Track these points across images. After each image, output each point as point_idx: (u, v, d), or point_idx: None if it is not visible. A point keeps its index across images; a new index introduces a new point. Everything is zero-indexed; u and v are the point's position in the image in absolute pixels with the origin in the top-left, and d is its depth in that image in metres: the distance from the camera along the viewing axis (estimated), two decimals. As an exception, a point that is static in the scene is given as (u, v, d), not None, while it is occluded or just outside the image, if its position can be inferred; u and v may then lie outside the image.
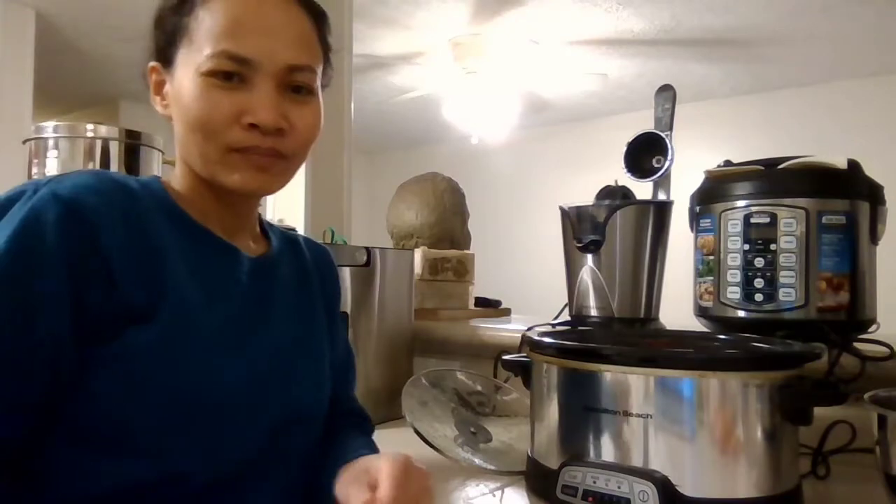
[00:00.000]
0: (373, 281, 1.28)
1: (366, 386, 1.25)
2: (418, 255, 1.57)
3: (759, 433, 0.73)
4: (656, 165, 1.41)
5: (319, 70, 0.71)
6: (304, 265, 0.82)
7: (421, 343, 1.45)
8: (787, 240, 1.02)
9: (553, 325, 1.28)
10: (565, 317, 1.32)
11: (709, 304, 1.12)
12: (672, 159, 1.38)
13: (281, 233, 0.84)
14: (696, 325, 1.18)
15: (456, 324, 1.49)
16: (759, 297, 1.04)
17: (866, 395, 0.72)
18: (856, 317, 1.02)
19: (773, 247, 1.03)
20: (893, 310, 1.26)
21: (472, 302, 1.68)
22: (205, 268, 0.67)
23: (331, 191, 2.01)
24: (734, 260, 1.07)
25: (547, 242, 5.33)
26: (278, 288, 0.75)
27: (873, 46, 3.83)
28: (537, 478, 0.85)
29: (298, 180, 1.74)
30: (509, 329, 1.36)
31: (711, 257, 1.11)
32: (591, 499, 0.74)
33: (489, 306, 1.75)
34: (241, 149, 0.66)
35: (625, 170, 1.40)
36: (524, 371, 0.93)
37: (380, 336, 1.30)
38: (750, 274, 1.05)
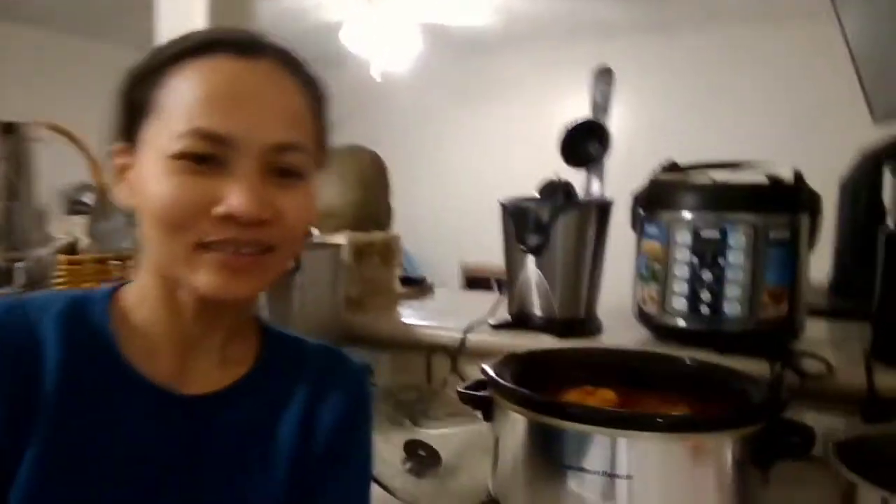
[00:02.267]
0: (297, 283, 1.18)
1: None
2: (343, 242, 1.46)
3: (735, 485, 0.74)
4: (592, 151, 1.37)
5: (312, 150, 0.60)
6: (293, 396, 0.64)
7: (348, 334, 1.38)
8: (735, 255, 1.02)
9: (493, 326, 1.25)
10: (503, 311, 1.29)
11: (652, 310, 1.12)
12: (610, 148, 1.34)
13: (298, 347, 0.68)
14: (631, 321, 1.18)
15: (384, 318, 1.41)
16: (704, 309, 1.05)
17: (832, 447, 0.74)
18: (792, 325, 1.06)
19: (720, 261, 1.03)
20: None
21: (398, 283, 1.61)
22: (103, 418, 0.57)
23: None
24: (681, 271, 1.06)
25: (454, 175, 5.26)
26: (223, 437, 0.60)
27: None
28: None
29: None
30: (439, 328, 1.31)
31: (657, 265, 1.10)
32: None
33: (414, 285, 1.69)
34: (211, 243, 0.54)
35: (563, 159, 1.35)
36: (485, 407, 0.89)
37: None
38: (697, 286, 1.05)
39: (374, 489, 0.90)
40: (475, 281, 4.34)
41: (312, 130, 0.60)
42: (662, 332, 1.12)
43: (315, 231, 1.57)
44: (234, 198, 0.53)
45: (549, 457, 0.77)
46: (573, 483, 0.73)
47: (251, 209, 0.53)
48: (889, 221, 0.99)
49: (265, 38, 0.59)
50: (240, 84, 0.55)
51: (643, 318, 1.15)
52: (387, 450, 1.05)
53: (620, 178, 1.36)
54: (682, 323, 1.07)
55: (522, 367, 0.94)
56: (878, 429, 0.79)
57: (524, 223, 1.18)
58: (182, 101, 0.54)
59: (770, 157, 1.10)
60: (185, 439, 0.59)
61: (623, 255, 1.26)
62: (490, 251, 1.23)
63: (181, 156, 0.53)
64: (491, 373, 0.89)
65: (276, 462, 0.62)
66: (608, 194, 1.35)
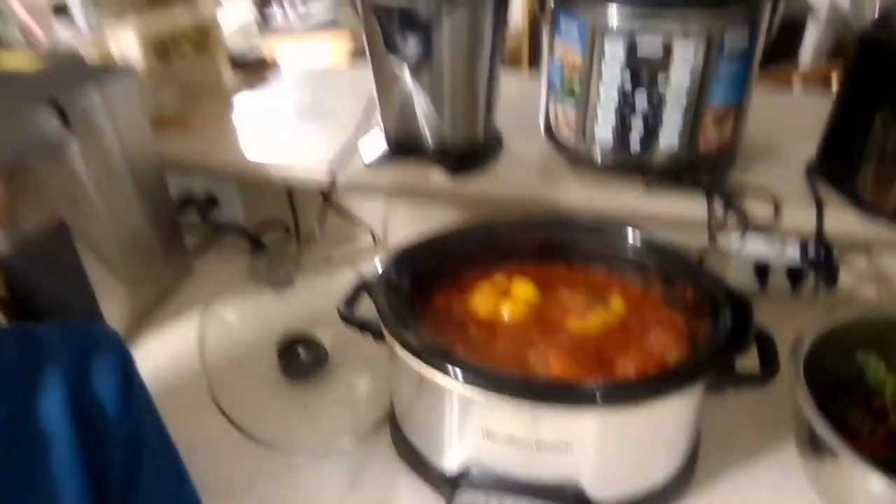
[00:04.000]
0: (78, 155, 0.81)
1: (135, 264, 0.90)
2: (130, 37, 1.03)
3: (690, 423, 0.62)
4: None
5: None
6: (43, 397, 0.51)
7: (174, 166, 1.05)
8: (682, 74, 0.77)
9: (367, 164, 0.96)
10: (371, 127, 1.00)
11: (567, 136, 0.88)
12: None
13: (24, 339, 0.54)
14: (535, 131, 0.95)
15: (219, 143, 1.07)
16: (635, 142, 0.83)
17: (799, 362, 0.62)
18: (733, 147, 0.87)
19: (661, 82, 0.78)
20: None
21: (227, 73, 1.22)
22: None
23: None
24: (609, 94, 0.81)
25: None
26: None
27: None
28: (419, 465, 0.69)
29: None
30: (298, 169, 1.01)
31: (576, 80, 0.83)
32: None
33: (250, 68, 1.29)
34: None
35: None
36: (373, 330, 0.68)
37: (122, 215, 0.89)
38: (628, 115, 0.81)
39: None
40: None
41: None
42: (579, 161, 0.90)
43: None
44: None
45: (456, 416, 0.61)
46: (496, 447, 0.59)
47: None
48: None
49: None
50: None
51: (554, 140, 0.92)
52: (255, 354, 0.84)
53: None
54: (605, 158, 0.86)
55: (420, 257, 0.73)
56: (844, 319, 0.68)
57: (393, 28, 0.83)
58: None
59: None
60: None
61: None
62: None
63: None
64: (372, 289, 0.67)
65: (61, 474, 0.51)
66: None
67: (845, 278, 0.86)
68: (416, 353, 0.59)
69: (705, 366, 0.56)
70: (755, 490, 0.66)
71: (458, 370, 0.56)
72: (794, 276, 0.87)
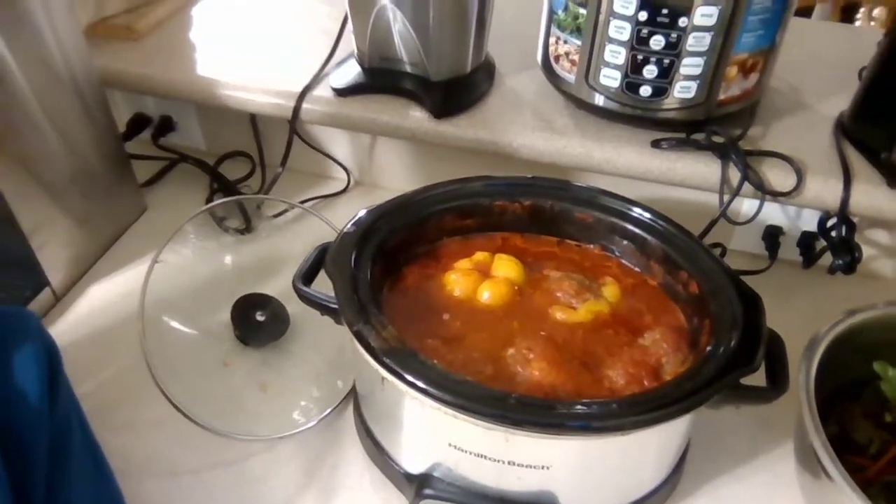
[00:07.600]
0: (29, 54, 0.68)
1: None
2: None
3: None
4: None
5: None
6: None
7: (123, 81, 0.93)
8: (706, 13, 0.65)
9: (338, 91, 0.84)
10: (349, 47, 0.87)
11: (568, 75, 0.76)
12: None
13: None
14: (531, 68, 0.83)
15: (172, 67, 0.92)
16: (646, 90, 0.71)
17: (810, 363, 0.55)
18: (756, 99, 0.76)
19: (682, 22, 0.65)
20: None
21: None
22: None
23: None
24: (620, 32, 0.68)
25: None
26: None
27: None
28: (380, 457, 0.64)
29: None
30: (259, 92, 0.87)
31: (583, 11, 0.70)
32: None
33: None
34: None
35: None
36: (334, 313, 0.60)
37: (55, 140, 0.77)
38: (641, 58, 0.69)
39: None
40: None
41: None
42: (580, 104, 0.79)
43: None
44: None
45: (420, 425, 0.55)
46: (465, 457, 0.53)
47: None
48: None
49: None
50: None
51: (553, 78, 0.80)
52: (206, 316, 0.75)
53: None
54: (610, 104, 0.74)
55: (389, 222, 0.63)
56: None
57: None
58: None
59: None
60: None
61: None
62: None
63: None
64: (330, 266, 0.58)
65: None
66: None
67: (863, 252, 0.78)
68: (376, 357, 0.51)
69: (707, 393, 0.49)
70: (743, 496, 0.61)
71: (420, 383, 0.49)
72: (807, 246, 0.79)
